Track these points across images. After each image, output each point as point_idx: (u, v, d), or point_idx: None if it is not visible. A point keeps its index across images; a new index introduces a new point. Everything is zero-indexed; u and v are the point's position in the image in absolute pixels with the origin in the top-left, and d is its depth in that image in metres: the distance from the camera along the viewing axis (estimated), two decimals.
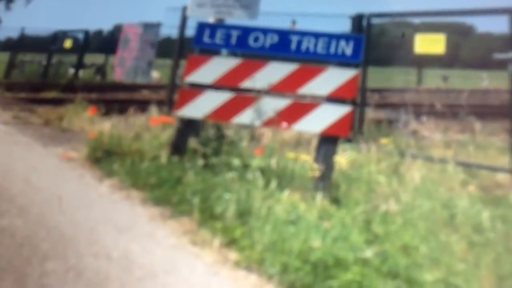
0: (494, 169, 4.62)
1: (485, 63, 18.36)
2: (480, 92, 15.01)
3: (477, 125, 5.53)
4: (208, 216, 3.45)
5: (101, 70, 20.11)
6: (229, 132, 5.23)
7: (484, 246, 2.69)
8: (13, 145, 6.24)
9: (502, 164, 4.74)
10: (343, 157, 4.74)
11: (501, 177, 4.38)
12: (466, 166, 4.40)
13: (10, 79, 16.27)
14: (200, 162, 4.41)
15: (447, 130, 5.71)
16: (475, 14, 6.06)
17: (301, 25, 11.03)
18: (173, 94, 7.62)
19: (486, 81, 22.37)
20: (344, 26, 5.97)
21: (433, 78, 15.52)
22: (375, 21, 6.08)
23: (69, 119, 7.42)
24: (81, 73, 17.28)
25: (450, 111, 5.79)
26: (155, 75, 21.17)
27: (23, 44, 19.14)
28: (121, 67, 21.70)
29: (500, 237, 2.81)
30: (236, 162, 4.20)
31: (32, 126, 7.49)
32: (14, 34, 19.99)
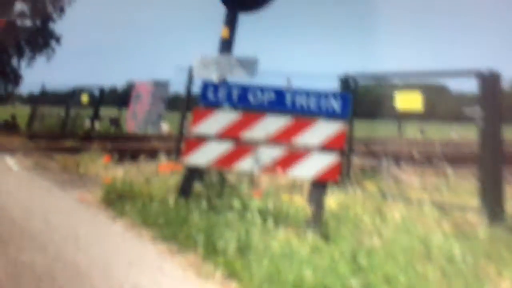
0: (464, 209, 4.69)
1: (456, 117, 19.07)
2: (452, 143, 15.51)
3: (450, 170, 5.63)
4: (211, 251, 3.51)
5: (115, 121, 20.43)
6: (231, 177, 5.41)
7: (456, 276, 2.77)
8: (34, 188, 6.35)
9: (471, 205, 4.83)
10: (332, 199, 4.88)
11: (471, 215, 4.46)
12: (440, 206, 4.47)
13: (32, 130, 16.55)
14: (204, 203, 4.50)
15: (423, 175, 5.82)
16: (449, 76, 6.29)
17: (296, 83, 11.48)
18: (180, 143, 7.77)
19: (454, 132, 24.35)
20: (334, 83, 6.17)
21: (412, 130, 16.00)
22: (360, 80, 6.26)
23: (85, 165, 7.52)
24: (97, 124, 17.54)
25: (426, 159, 5.94)
26: (165, 126, 21.49)
27: (43, 98, 19.54)
28: (134, 120, 22.07)
29: (470, 267, 2.89)
30: (236, 203, 4.29)
31: (51, 172, 7.57)
32: (35, 89, 20.40)
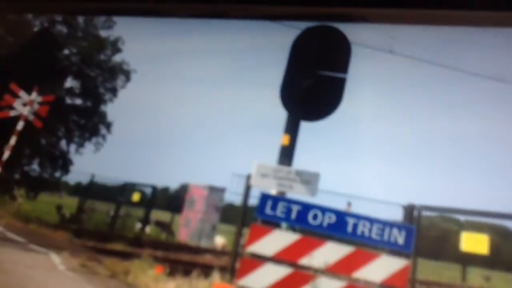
0: None
1: None
2: None
3: None
4: None
5: (167, 228, 21.65)
6: None
7: None
8: None
9: None
10: None
11: None
12: None
13: (79, 225, 18.14)
14: None
15: None
16: None
17: (355, 208, 12.29)
18: (235, 262, 8.50)
19: None
20: (394, 214, 6.70)
21: (475, 276, 15.77)
22: (424, 213, 6.86)
23: (135, 274, 8.31)
24: (148, 229, 18.74)
25: None
26: (220, 240, 22.40)
27: (92, 190, 21.39)
28: (187, 228, 23.31)
29: None
30: None
31: (98, 277, 8.36)
32: (84, 179, 22.45)
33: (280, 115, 7.14)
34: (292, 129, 7.03)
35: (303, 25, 7.05)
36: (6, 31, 28.05)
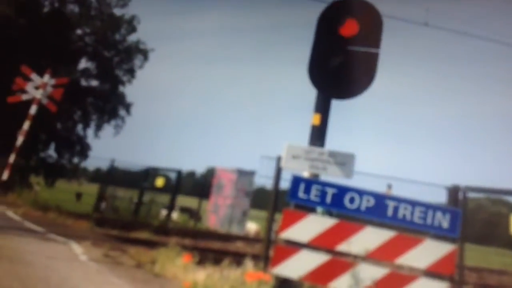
0: None
1: None
2: None
3: None
4: None
5: (195, 215, 21.87)
6: None
7: None
8: (104, 285, 6.96)
9: None
10: None
11: None
12: None
13: (100, 214, 18.45)
14: None
15: None
16: None
17: (396, 191, 12.28)
18: (268, 249, 8.55)
19: None
20: (439, 197, 6.64)
21: None
22: (471, 195, 6.81)
23: (162, 263, 8.42)
24: (175, 215, 18.93)
25: None
26: (253, 226, 22.59)
27: (113, 176, 21.41)
28: (215, 214, 23.60)
29: None
30: None
31: (123, 267, 8.50)
32: (103, 164, 22.23)
33: (311, 94, 7.13)
34: (323, 108, 6.99)
35: None
36: (16, 12, 28.42)
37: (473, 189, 6.79)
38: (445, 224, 5.38)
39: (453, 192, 6.67)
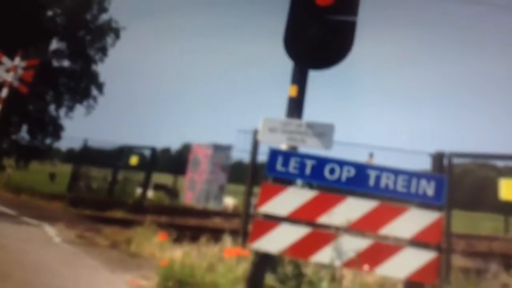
0: None
1: None
2: None
3: None
4: None
5: (172, 192, 21.70)
6: (308, 270, 5.61)
7: None
8: (80, 268, 6.88)
9: None
10: None
11: None
12: None
13: (74, 193, 18.15)
14: None
15: None
16: None
17: (378, 159, 12.16)
18: (247, 224, 8.40)
19: None
20: (423, 164, 6.51)
21: None
22: (456, 160, 6.66)
23: (138, 243, 8.30)
24: (150, 193, 18.78)
25: None
26: (230, 201, 22.51)
27: (86, 156, 21.29)
28: (192, 190, 23.43)
29: None
30: None
31: (98, 248, 8.40)
32: (76, 145, 22.34)
33: (286, 65, 6.88)
34: (299, 79, 6.68)
35: None
36: None
37: (458, 155, 6.66)
38: (430, 191, 5.22)
39: (438, 158, 6.53)
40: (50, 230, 9.67)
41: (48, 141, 35.55)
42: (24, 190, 16.21)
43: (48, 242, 8.58)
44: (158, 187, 22.26)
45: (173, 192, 22.25)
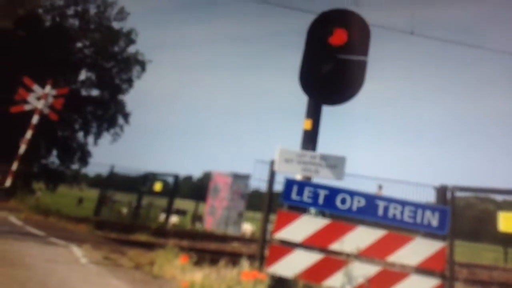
0: None
1: None
2: None
3: None
4: None
5: (198, 218, 21.88)
6: None
7: None
8: (105, 287, 7.18)
9: None
10: None
11: None
12: None
13: (100, 217, 18.39)
14: None
15: None
16: None
17: (386, 191, 12.36)
18: (264, 249, 8.53)
19: None
20: (428, 196, 6.63)
21: None
22: (459, 194, 6.78)
23: (160, 265, 8.37)
24: (174, 219, 18.93)
25: None
26: (248, 227, 22.63)
27: (112, 181, 21.62)
28: (212, 216, 23.61)
29: None
30: None
31: (123, 269, 8.43)
32: (103, 170, 22.51)
33: (302, 100, 7.18)
34: (313, 114, 7.04)
35: (318, 9, 7.07)
36: (18, 26, 28.41)
37: (461, 189, 6.79)
38: (434, 222, 5.37)
39: (441, 191, 6.67)
40: (77, 251, 9.63)
41: (76, 166, 36.02)
42: (52, 213, 16.36)
43: (75, 262, 8.51)
44: (178, 212, 22.48)
45: (199, 218, 22.51)
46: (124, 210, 19.76)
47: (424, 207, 5.49)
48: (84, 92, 36.25)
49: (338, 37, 6.76)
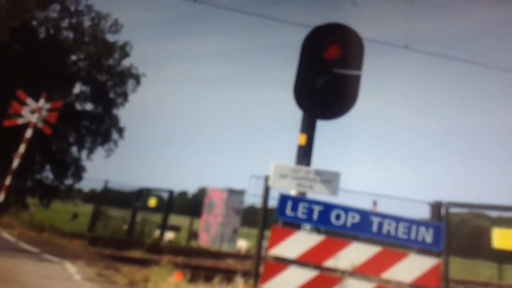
0: None
1: None
2: None
3: None
4: None
5: (194, 235, 21.86)
6: None
7: None
8: None
9: None
10: None
11: None
12: None
13: (94, 233, 18.33)
14: None
15: None
16: None
17: (380, 206, 12.44)
18: (259, 266, 8.54)
19: None
20: (422, 212, 6.68)
21: None
22: (453, 210, 6.83)
23: (154, 282, 8.33)
24: (168, 235, 18.87)
25: None
26: (243, 244, 22.62)
27: (107, 197, 21.47)
28: (207, 232, 23.60)
29: None
30: None
31: (116, 286, 8.35)
32: (97, 185, 22.22)
33: (296, 114, 7.25)
34: (308, 129, 7.12)
35: (312, 23, 7.15)
36: (12, 38, 28.48)
37: (455, 205, 6.84)
38: (429, 238, 5.41)
39: (436, 207, 6.72)
40: (71, 268, 9.63)
41: (70, 181, 35.88)
42: (46, 229, 16.31)
43: (68, 279, 8.52)
44: (173, 228, 22.47)
45: (195, 234, 22.50)
46: (125, 226, 19.68)
47: (418, 223, 5.52)
48: (78, 106, 36.23)
49: (332, 51, 6.83)
